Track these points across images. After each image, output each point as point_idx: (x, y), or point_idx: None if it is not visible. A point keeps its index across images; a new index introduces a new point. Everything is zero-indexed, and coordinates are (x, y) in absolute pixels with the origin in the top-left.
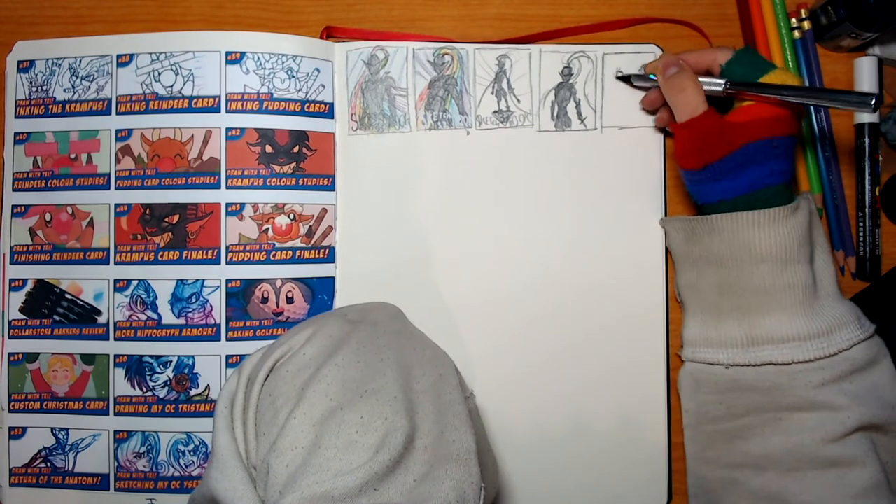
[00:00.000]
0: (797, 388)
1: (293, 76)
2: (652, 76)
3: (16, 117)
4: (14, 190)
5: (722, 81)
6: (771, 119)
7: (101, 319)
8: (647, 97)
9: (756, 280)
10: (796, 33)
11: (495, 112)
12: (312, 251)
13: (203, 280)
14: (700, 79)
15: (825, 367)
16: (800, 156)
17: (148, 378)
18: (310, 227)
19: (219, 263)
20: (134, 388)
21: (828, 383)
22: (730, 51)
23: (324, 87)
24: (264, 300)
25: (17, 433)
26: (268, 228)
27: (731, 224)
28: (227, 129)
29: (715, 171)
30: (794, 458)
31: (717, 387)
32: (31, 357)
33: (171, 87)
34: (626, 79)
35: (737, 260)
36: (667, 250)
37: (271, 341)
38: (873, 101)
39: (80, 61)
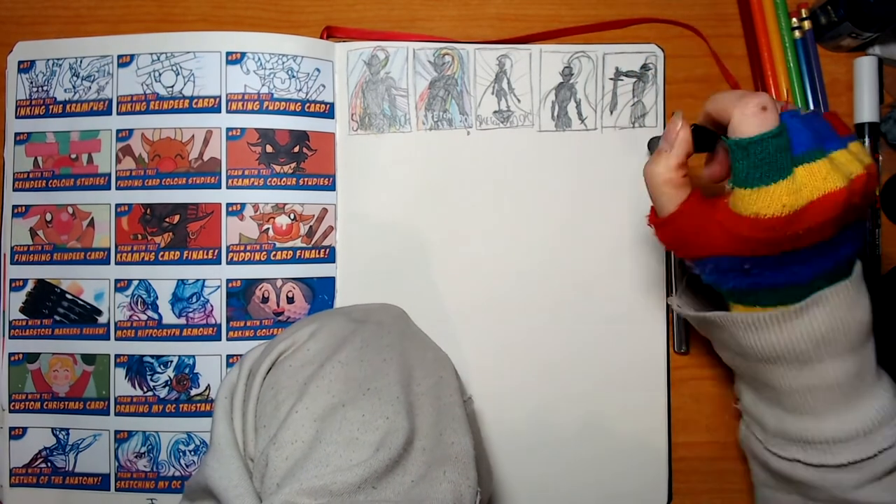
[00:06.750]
0: (829, 489)
1: (294, 76)
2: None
3: (16, 117)
4: (14, 190)
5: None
6: (736, 236)
7: (102, 319)
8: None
9: (770, 378)
10: (797, 33)
11: (496, 112)
12: (313, 251)
13: (204, 280)
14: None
15: (863, 468)
16: None
17: (148, 378)
18: (310, 227)
19: (219, 263)
20: (134, 387)
21: (864, 484)
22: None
23: (324, 87)
24: (265, 300)
25: (17, 433)
26: (268, 228)
27: (728, 323)
28: (228, 130)
29: (695, 265)
30: None
31: (756, 457)
32: (32, 357)
33: (172, 87)
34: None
35: (746, 358)
36: (668, 252)
37: None
38: None
39: (81, 61)
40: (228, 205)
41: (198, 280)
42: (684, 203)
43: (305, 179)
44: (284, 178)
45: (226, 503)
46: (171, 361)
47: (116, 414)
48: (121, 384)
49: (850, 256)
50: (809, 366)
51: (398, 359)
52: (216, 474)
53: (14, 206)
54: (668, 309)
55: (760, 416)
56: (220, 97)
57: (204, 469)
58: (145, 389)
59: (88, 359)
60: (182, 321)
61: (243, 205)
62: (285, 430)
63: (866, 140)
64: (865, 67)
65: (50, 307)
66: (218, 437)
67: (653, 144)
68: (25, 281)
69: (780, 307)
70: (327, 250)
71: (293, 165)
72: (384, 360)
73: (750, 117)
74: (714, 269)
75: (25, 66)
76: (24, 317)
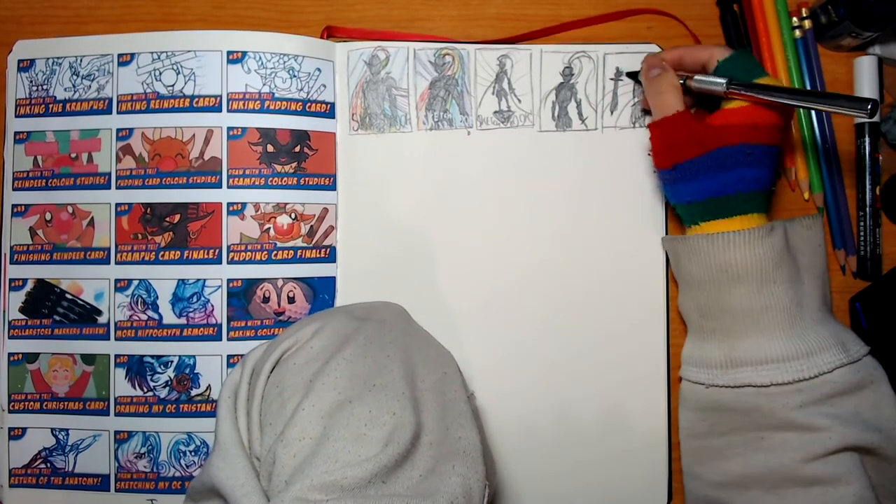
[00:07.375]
0: (776, 410)
1: (294, 76)
2: None
3: (16, 116)
4: (14, 189)
5: (723, 81)
6: (747, 126)
7: (102, 319)
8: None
9: (733, 301)
10: (797, 32)
11: (496, 112)
12: (314, 251)
13: (204, 280)
14: (699, 77)
15: (804, 389)
16: (801, 156)
17: (149, 378)
18: (311, 226)
19: (220, 263)
20: (135, 388)
21: (807, 405)
22: (727, 50)
23: (325, 86)
24: (265, 300)
25: (16, 433)
26: (269, 228)
27: (706, 245)
28: (229, 129)
29: (683, 171)
30: (776, 477)
31: (700, 405)
32: (31, 357)
33: (173, 86)
34: (634, 76)
35: (714, 282)
36: (668, 253)
37: None
38: (869, 107)
39: (81, 60)
40: (229, 204)
41: (198, 280)
42: (686, 108)
43: (306, 179)
44: (285, 178)
45: (233, 502)
46: (172, 361)
47: (116, 414)
48: (121, 384)
49: (771, 177)
50: (767, 286)
51: (401, 355)
52: (222, 474)
53: (14, 206)
54: (669, 309)
55: (707, 356)
56: (220, 96)
57: (209, 469)
58: (145, 390)
59: (88, 359)
60: (182, 321)
61: (244, 204)
62: (292, 427)
63: (867, 140)
64: (865, 67)
65: (49, 307)
66: (223, 436)
67: (632, 75)
68: (25, 280)
69: (743, 219)
70: (328, 250)
71: (294, 165)
72: (388, 356)
73: (725, 49)
74: (714, 163)
75: (25, 65)
76: (23, 317)
